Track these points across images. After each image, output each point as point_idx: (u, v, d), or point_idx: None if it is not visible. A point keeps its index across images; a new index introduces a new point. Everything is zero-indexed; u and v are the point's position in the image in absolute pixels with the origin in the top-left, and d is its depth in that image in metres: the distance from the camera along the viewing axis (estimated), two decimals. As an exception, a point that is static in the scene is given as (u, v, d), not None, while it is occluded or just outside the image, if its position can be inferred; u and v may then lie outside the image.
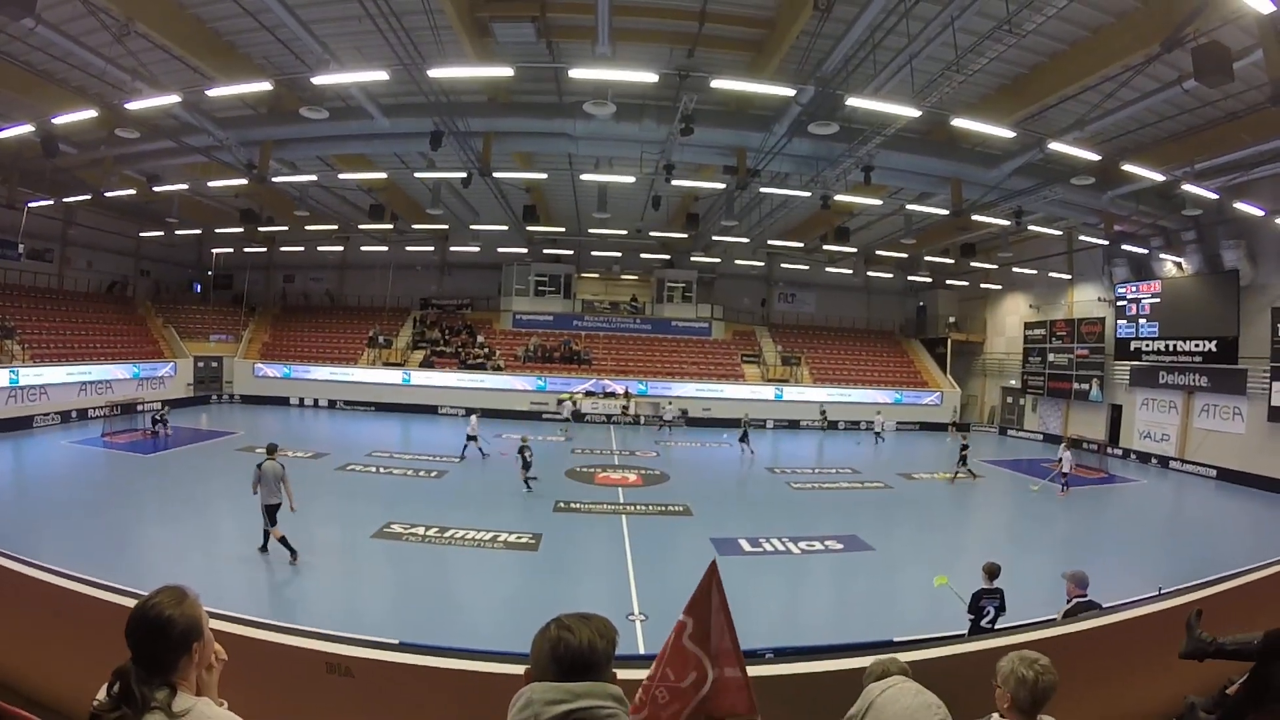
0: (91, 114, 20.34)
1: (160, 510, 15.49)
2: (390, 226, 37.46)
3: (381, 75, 17.39)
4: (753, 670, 3.59)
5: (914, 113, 17.71)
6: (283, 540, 15.10)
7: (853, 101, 17.46)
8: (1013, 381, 44.50)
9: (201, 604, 2.48)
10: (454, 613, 13.70)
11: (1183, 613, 4.24)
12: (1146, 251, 32.15)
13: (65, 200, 33.80)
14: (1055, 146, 20.18)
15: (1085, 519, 22.33)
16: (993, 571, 9.99)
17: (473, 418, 29.49)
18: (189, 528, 17.70)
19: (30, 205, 33.67)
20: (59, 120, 20.94)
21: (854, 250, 39.25)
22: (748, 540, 17.92)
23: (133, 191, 31.66)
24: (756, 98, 20.42)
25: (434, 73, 17.54)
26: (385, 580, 15.00)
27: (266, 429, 32.05)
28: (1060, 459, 24.74)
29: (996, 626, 9.66)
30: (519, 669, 3.75)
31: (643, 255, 46.46)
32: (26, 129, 21.92)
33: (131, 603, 4.53)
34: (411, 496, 21.98)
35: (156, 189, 30.65)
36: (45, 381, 32.85)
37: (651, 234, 38.48)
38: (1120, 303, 34.82)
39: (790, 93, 18.32)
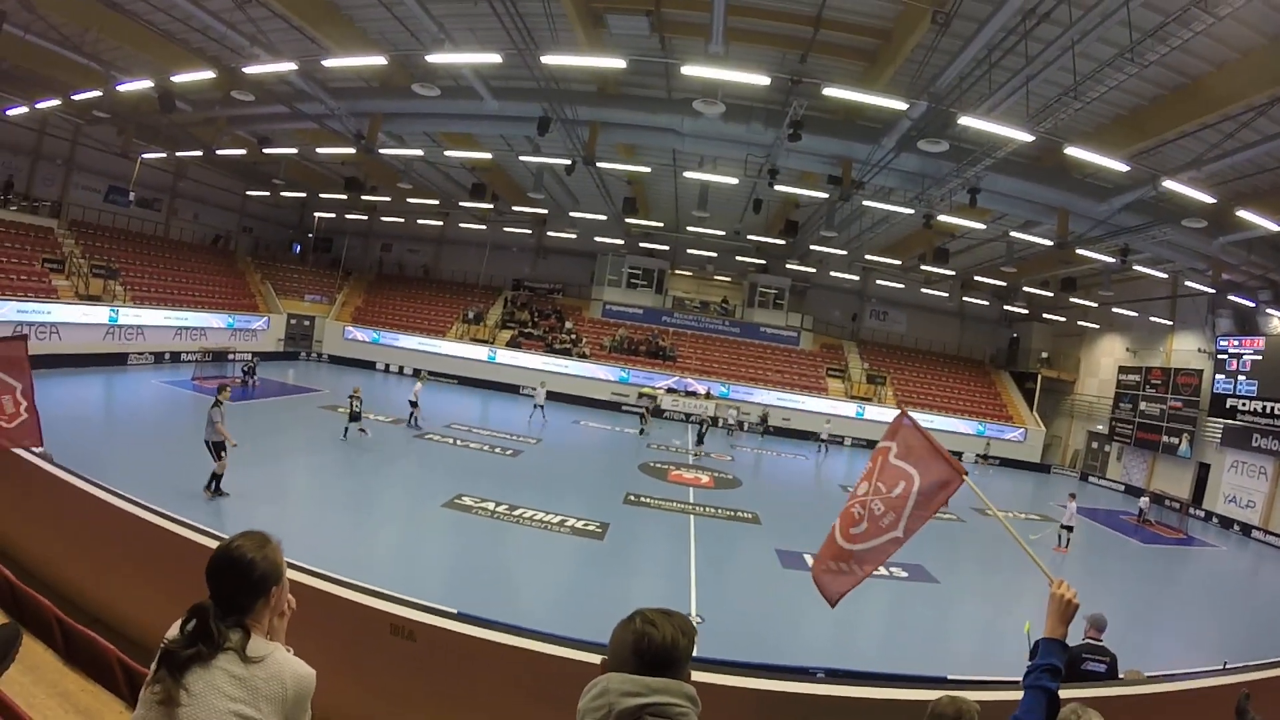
0: (209, 75, 21.25)
1: (234, 454, 15.94)
2: (490, 206, 37.80)
3: (494, 58, 17.56)
4: (804, 688, 3.76)
5: (1027, 137, 17.16)
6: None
7: (964, 120, 16.95)
8: (1100, 426, 42.58)
9: (282, 551, 2.54)
10: (513, 590, 13.80)
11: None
12: (1254, 304, 30.68)
13: (177, 154, 35.12)
14: (1169, 185, 19.24)
15: (1158, 580, 21.65)
16: (1100, 625, 8.74)
17: (417, 383, 29.76)
18: (263, 476, 18.15)
19: (144, 156, 35.23)
20: (178, 79, 21.71)
21: (952, 273, 38.43)
22: (812, 556, 17.52)
23: (243, 151, 32.90)
24: (866, 109, 20.03)
25: (546, 59, 17.61)
26: (449, 550, 15.12)
27: (350, 389, 32.78)
28: (1066, 508, 23.02)
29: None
30: (575, 654, 4.02)
31: (738, 258, 46.12)
32: (146, 84, 22.71)
33: (209, 542, 4.91)
34: (485, 471, 22.26)
35: (266, 151, 31.81)
36: (143, 323, 34.52)
37: (749, 237, 38.07)
38: (1220, 356, 33.27)
39: (902, 106, 17.89)
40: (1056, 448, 45.85)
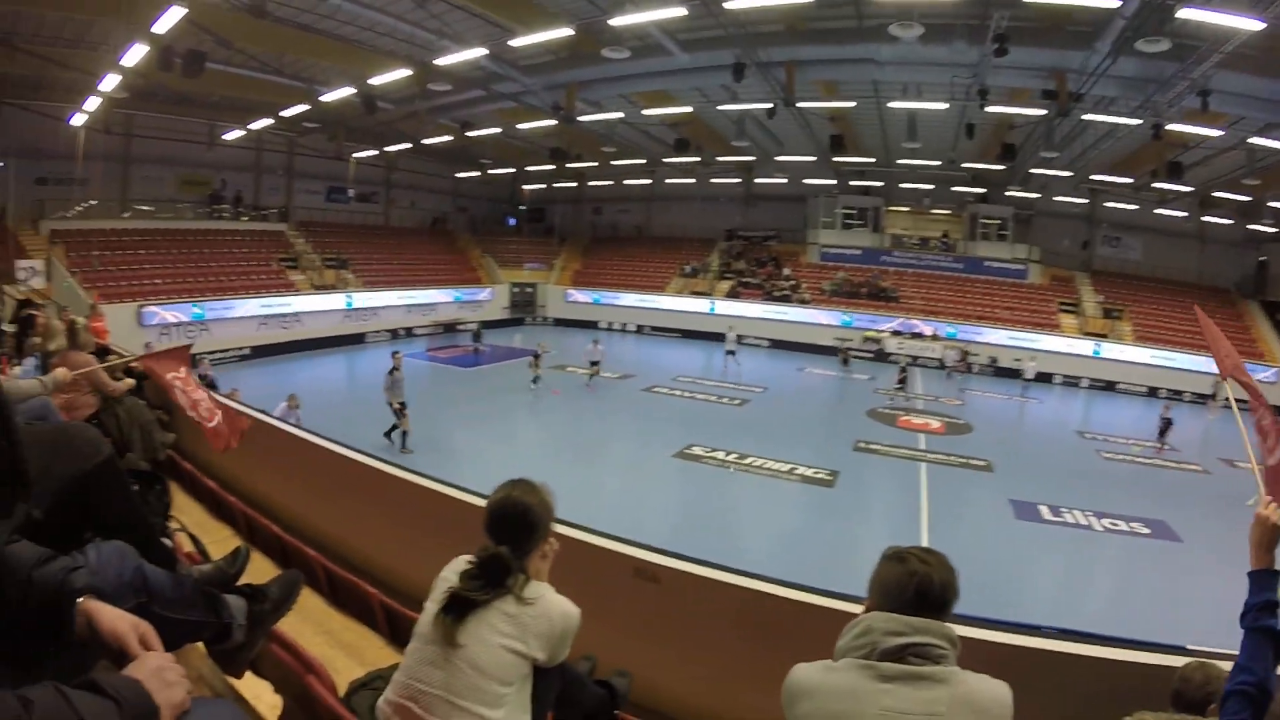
0: (405, 73, 22.79)
1: (469, 414, 16.88)
2: (695, 159, 37.80)
3: (678, 10, 17.37)
4: (1033, 642, 3.61)
5: (1258, 24, 15.19)
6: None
7: (1184, 12, 15.36)
8: None
9: (552, 496, 2.69)
10: (746, 537, 13.94)
11: None
12: None
13: (387, 149, 37.50)
14: None
15: None
16: None
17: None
18: (492, 431, 19.01)
19: (356, 156, 38.15)
20: (375, 81, 23.40)
21: (1188, 189, 34.84)
22: (1048, 507, 16.80)
23: (448, 138, 34.47)
24: (1075, 10, 18.41)
25: (730, 4, 17.32)
26: (681, 497, 15.26)
27: (576, 350, 33.76)
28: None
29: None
30: (810, 598, 3.92)
31: (954, 188, 43.65)
32: (347, 91, 24.70)
33: (458, 494, 5.25)
34: (713, 421, 22.56)
35: (470, 134, 32.93)
36: (376, 304, 37.64)
37: (964, 165, 36.29)
38: None
39: (1113, 3, 16.28)
40: None
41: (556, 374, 28.06)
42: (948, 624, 2.03)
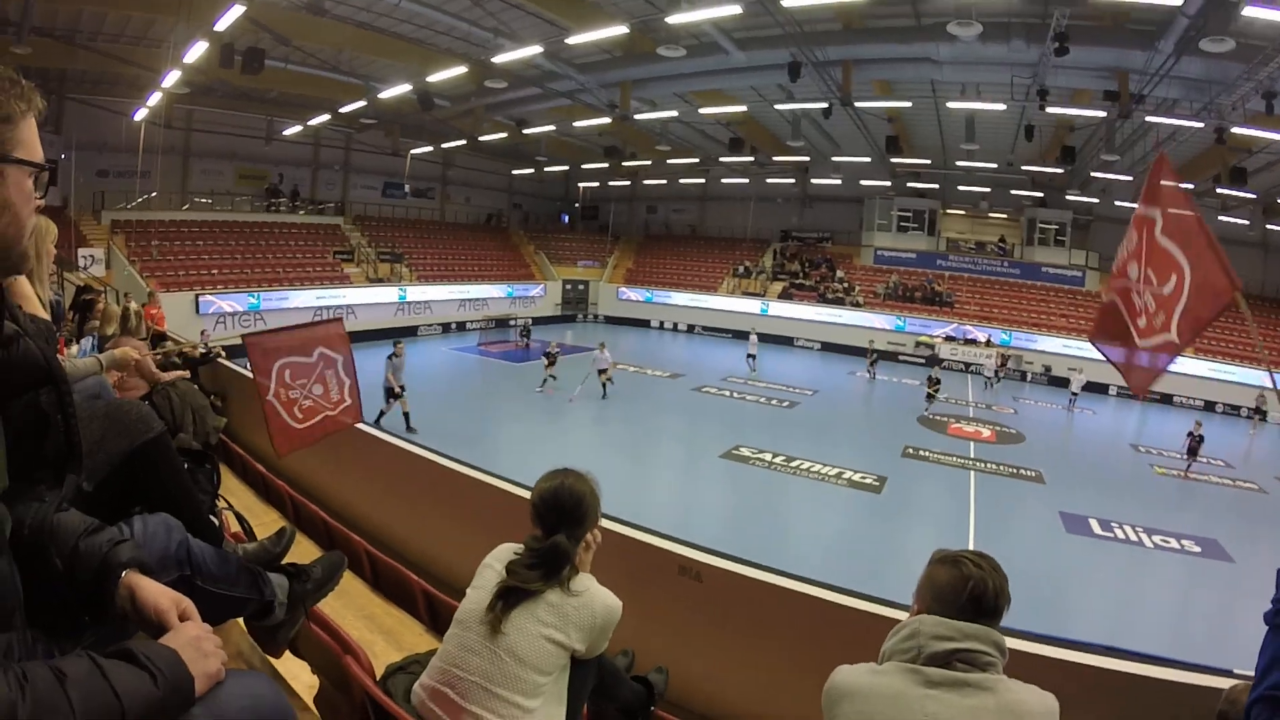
0: (461, 70, 23.00)
1: (519, 409, 17.15)
2: (750, 159, 37.66)
3: (734, 9, 17.44)
4: (1077, 657, 3.55)
5: None
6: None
7: (1249, 11, 14.95)
8: None
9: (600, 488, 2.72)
10: (791, 539, 13.88)
11: None
12: None
13: (443, 146, 37.92)
14: None
15: None
16: None
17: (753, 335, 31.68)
18: (541, 426, 19.20)
19: (413, 152, 38.75)
20: (432, 78, 23.57)
21: (1252, 195, 34.01)
22: (1099, 521, 16.49)
23: (504, 135, 34.88)
24: (1136, 9, 18.09)
25: (786, 2, 17.29)
26: (727, 497, 15.28)
27: (627, 347, 33.93)
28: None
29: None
30: (854, 602, 3.88)
31: (1012, 191, 42.87)
32: (405, 89, 24.97)
33: (503, 485, 5.34)
34: (762, 423, 22.58)
35: (525, 131, 33.40)
36: (429, 298, 38.27)
37: (1023, 168, 35.51)
38: None
39: (1175, 1, 15.94)
40: None
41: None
42: (996, 631, 2.01)
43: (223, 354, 8.12)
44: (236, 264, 32.16)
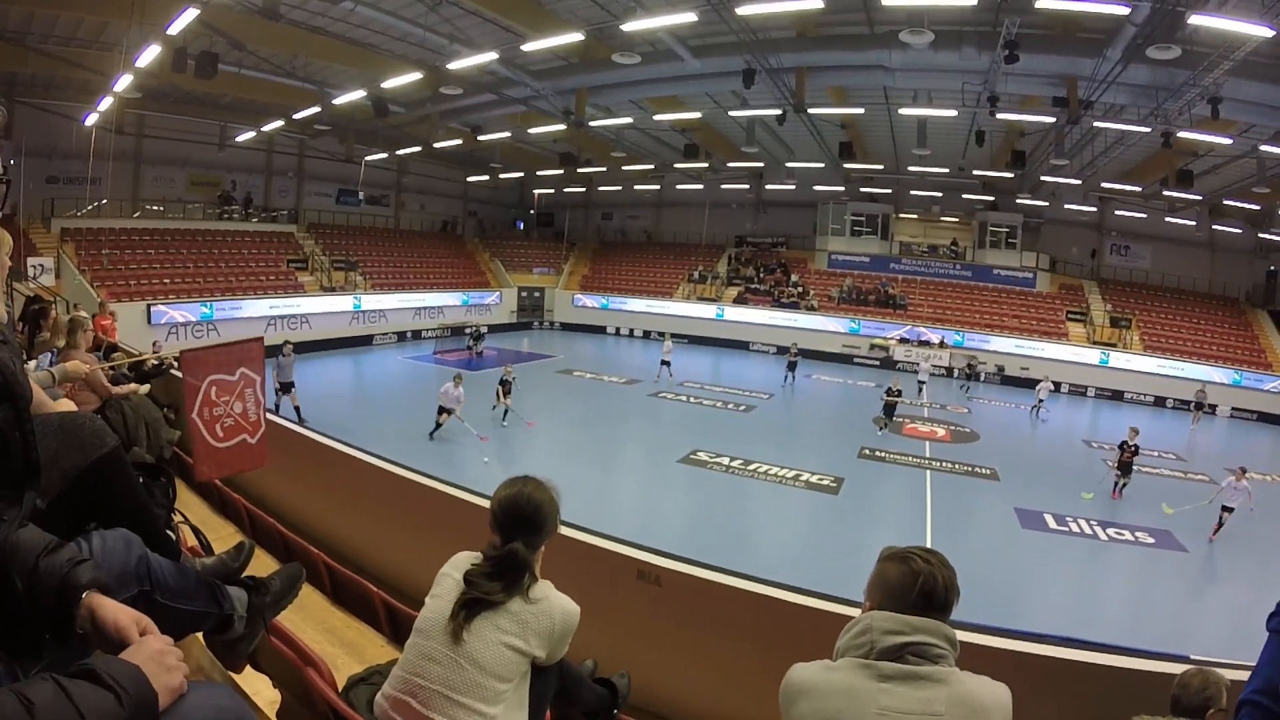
0: (416, 76, 22.67)
1: (477, 418, 17.20)
2: (705, 165, 37.94)
3: (689, 17, 17.58)
4: (1036, 649, 3.73)
5: (1268, 32, 15.20)
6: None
7: (1195, 19, 15.34)
8: None
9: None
10: (749, 542, 13.95)
11: None
12: None
13: (398, 153, 37.57)
14: None
15: None
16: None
17: (667, 342, 30.82)
18: (500, 435, 19.17)
19: (367, 159, 38.00)
20: (387, 84, 23.41)
21: (1198, 197, 34.74)
22: (1053, 516, 16.82)
23: (459, 142, 34.75)
24: (1085, 18, 18.57)
25: (741, 10, 17.42)
26: (686, 502, 15.31)
27: (584, 355, 33.93)
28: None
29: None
30: (810, 602, 3.98)
31: (964, 195, 43.82)
32: (359, 95, 24.76)
33: (459, 494, 5.30)
34: (719, 427, 22.60)
35: (480, 138, 33.44)
36: (384, 307, 37.77)
37: (974, 173, 36.20)
38: None
39: (1123, 10, 16.32)
40: None
41: (566, 378, 28.02)
42: (947, 625, 2.04)
43: (175, 365, 7.97)
44: (189, 273, 31.66)
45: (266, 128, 31.87)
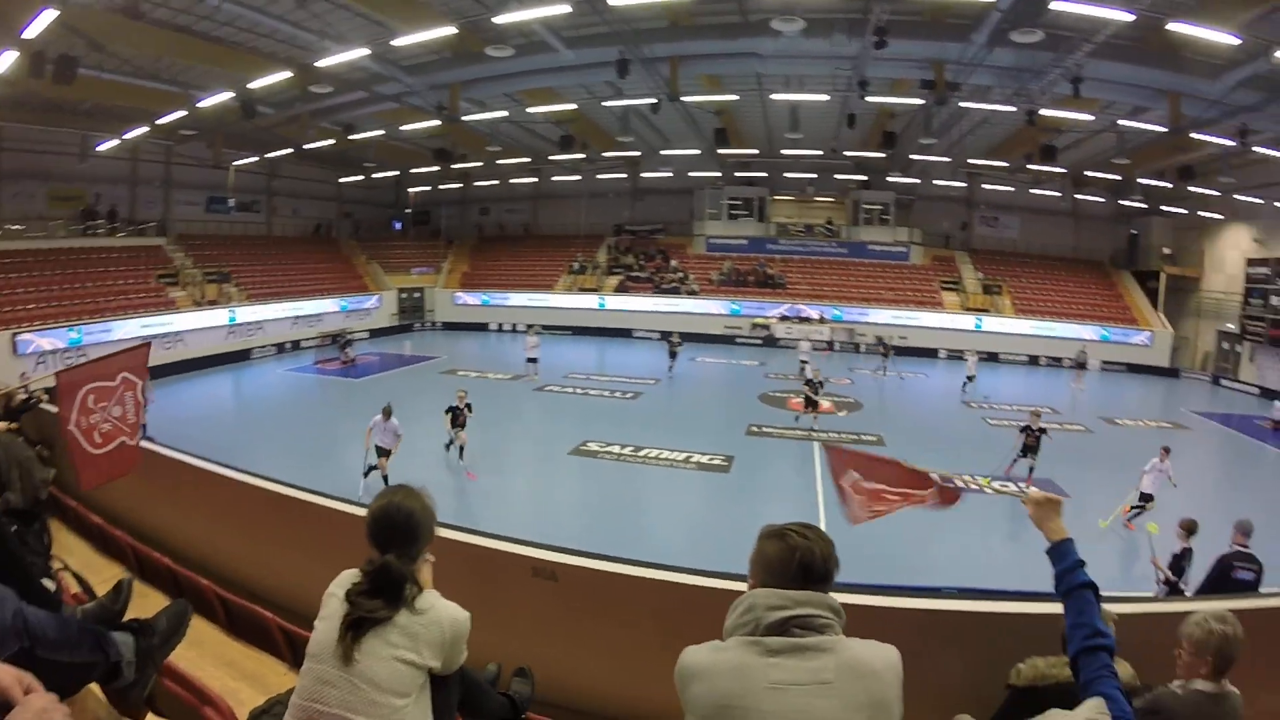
0: (285, 75, 22.04)
1: (364, 427, 16.83)
2: (581, 156, 37.78)
3: (563, 8, 17.48)
4: (933, 604, 3.86)
5: (1126, 16, 16.07)
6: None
7: (1057, 5, 16.04)
8: (1230, 325, 38.50)
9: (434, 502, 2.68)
10: (645, 527, 14.14)
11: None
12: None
13: (268, 155, 36.55)
14: None
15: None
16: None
17: (530, 337, 30.48)
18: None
19: (236, 163, 36.95)
20: (255, 85, 22.66)
21: (1061, 171, 36.54)
22: (939, 476, 17.14)
23: (331, 141, 33.60)
24: (952, 5, 19.15)
25: (614, 0, 17.46)
26: (580, 493, 15.33)
27: (467, 353, 33.58)
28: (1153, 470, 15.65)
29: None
30: (711, 582, 4.03)
31: (837, 176, 44.91)
32: (226, 96, 23.84)
33: (344, 508, 5.20)
34: (607, 416, 22.81)
35: (353, 137, 32.52)
36: (261, 318, 36.14)
37: (846, 154, 37.07)
38: None
39: None
40: (1185, 350, 41.83)
41: (451, 378, 27.68)
42: (830, 595, 2.11)
43: (45, 398, 7.62)
44: (54, 295, 29.62)
45: (130, 135, 30.19)
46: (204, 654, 4.20)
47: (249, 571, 5.94)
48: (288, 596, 5.35)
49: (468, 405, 17.65)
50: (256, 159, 36.43)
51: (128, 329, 29.57)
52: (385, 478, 15.09)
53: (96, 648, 2.29)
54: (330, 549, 3.79)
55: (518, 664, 3.49)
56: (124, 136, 30.45)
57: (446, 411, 17.62)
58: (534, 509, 14.68)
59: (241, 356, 33.37)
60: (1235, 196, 35.07)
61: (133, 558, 5.69)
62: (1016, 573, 12.11)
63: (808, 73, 24.71)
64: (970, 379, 29.30)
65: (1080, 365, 34.16)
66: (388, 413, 15.60)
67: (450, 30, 19.38)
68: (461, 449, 17.38)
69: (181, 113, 26.58)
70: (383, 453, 15.56)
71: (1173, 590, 9.45)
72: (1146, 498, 15.21)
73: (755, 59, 22.79)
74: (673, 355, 31.54)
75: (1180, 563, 9.52)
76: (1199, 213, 39.67)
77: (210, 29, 21.22)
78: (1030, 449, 17.37)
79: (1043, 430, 17.42)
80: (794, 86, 26.39)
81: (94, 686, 2.52)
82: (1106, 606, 3.24)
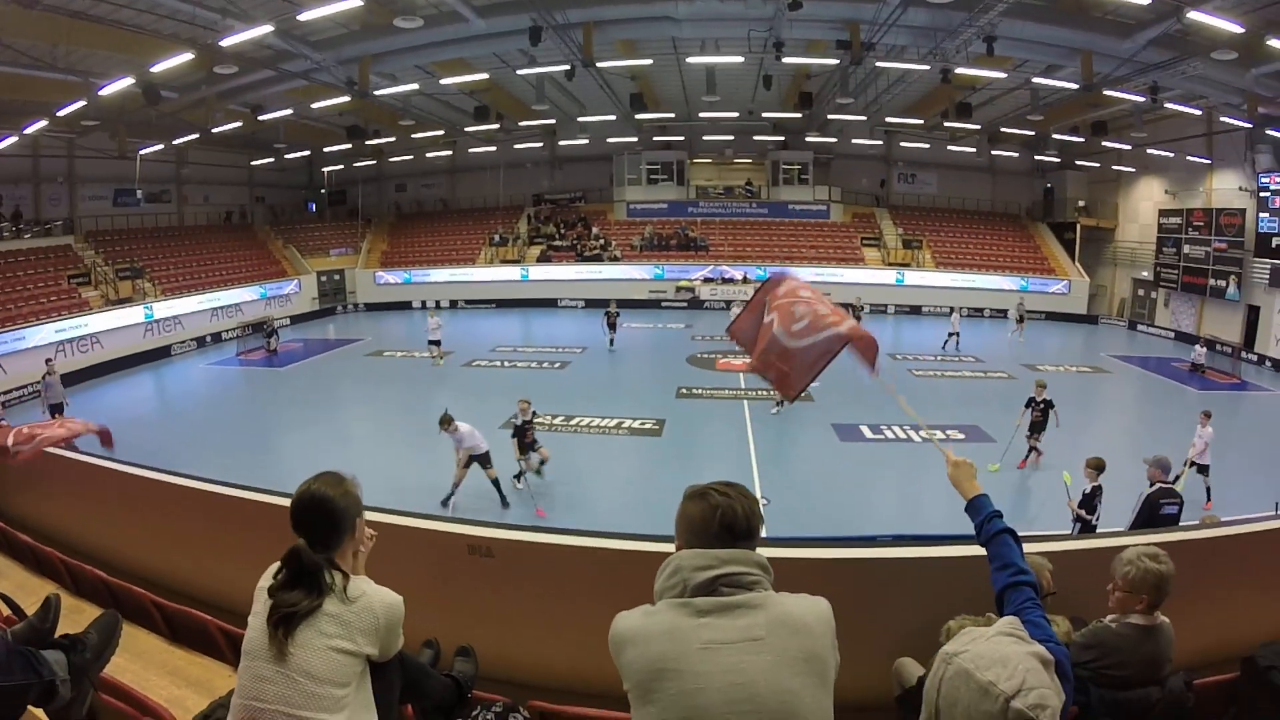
0: (187, 57, 21.09)
1: (295, 416, 16.54)
2: (497, 126, 37.40)
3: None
4: (868, 553, 4.02)
5: None
6: None
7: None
8: (1145, 273, 40.39)
9: (358, 486, 2.62)
10: (582, 496, 14.33)
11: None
12: (1294, 139, 28.74)
13: (175, 142, 35.13)
14: (1194, 16, 18.06)
15: (1216, 427, 20.59)
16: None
17: (432, 318, 29.94)
18: (322, 429, 18.62)
19: (142, 152, 35.21)
20: (157, 68, 21.73)
21: (977, 127, 37.37)
22: (869, 427, 17.95)
23: (239, 124, 32.55)
24: (867, -34, 19.28)
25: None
26: (514, 467, 15.19)
27: (392, 334, 33.23)
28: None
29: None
30: (648, 546, 4.07)
31: (756, 138, 45.13)
32: (127, 82, 22.77)
33: (271, 499, 5.10)
34: (537, 387, 22.55)
35: (261, 118, 31.63)
36: (178, 312, 34.93)
37: (764, 115, 37.39)
38: (1263, 194, 31.24)
39: None
40: (1102, 298, 43.97)
41: (376, 360, 27.31)
42: (756, 551, 2.12)
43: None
44: None
45: (29, 129, 28.76)
46: (148, 665, 4.13)
47: (186, 576, 5.82)
48: (225, 597, 5.27)
49: (534, 415, 15.11)
50: (163, 146, 35.05)
51: (42, 334, 28.22)
52: (518, 476, 14.56)
53: (29, 668, 2.24)
54: (263, 543, 3.75)
55: (460, 644, 3.50)
56: (23, 131, 29.05)
57: (513, 435, 14.61)
58: (471, 487, 14.51)
59: (162, 354, 32.22)
60: (1148, 150, 36.51)
61: (66, 574, 5.56)
62: (946, 518, 12.50)
63: (723, 35, 24.75)
64: (953, 335, 29.94)
65: (1020, 320, 33.87)
66: (447, 421, 13.60)
67: (358, 3, 18.94)
68: (542, 463, 15.00)
69: (82, 102, 25.40)
70: (484, 460, 13.92)
71: (1085, 527, 9.81)
72: (1203, 469, 14.19)
73: (670, 23, 22.82)
74: (611, 326, 30.85)
75: (1092, 500, 9.90)
76: (1113, 166, 41.49)
77: (107, 12, 20.30)
78: (1036, 426, 15.83)
79: (1048, 403, 15.80)
80: (710, 49, 26.36)
81: (33, 709, 2.48)
82: (1039, 559, 3.35)
